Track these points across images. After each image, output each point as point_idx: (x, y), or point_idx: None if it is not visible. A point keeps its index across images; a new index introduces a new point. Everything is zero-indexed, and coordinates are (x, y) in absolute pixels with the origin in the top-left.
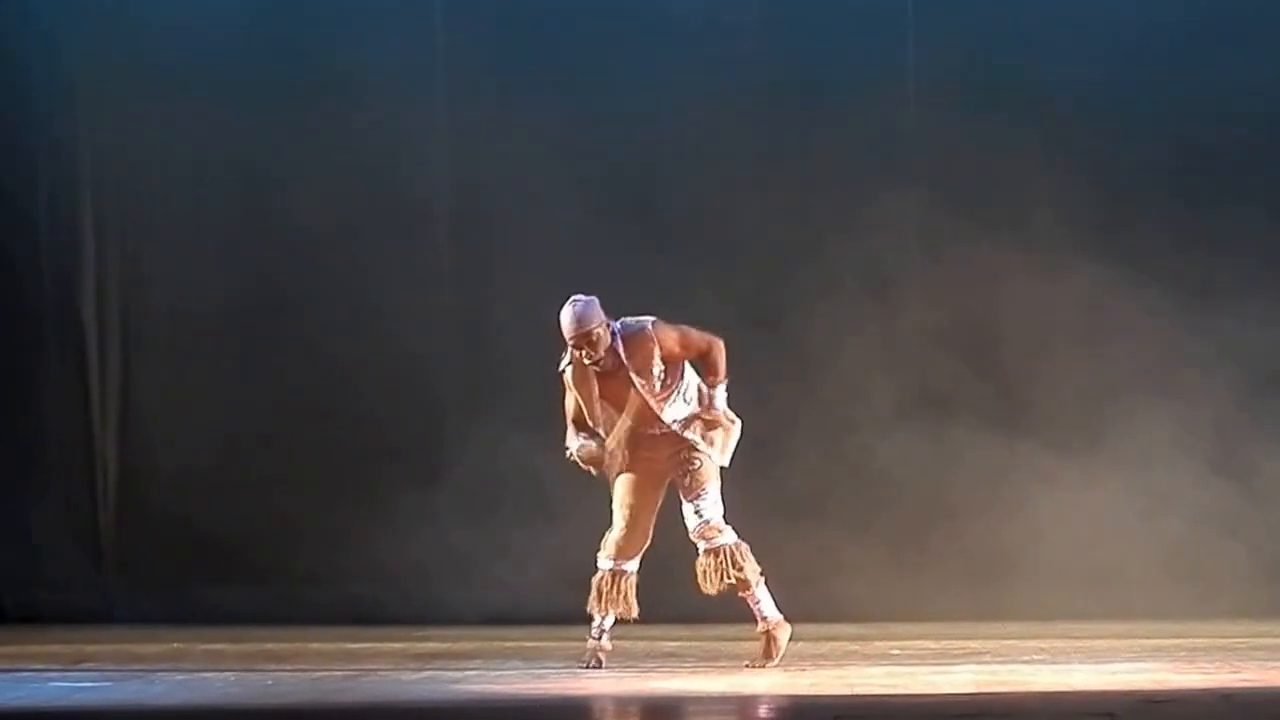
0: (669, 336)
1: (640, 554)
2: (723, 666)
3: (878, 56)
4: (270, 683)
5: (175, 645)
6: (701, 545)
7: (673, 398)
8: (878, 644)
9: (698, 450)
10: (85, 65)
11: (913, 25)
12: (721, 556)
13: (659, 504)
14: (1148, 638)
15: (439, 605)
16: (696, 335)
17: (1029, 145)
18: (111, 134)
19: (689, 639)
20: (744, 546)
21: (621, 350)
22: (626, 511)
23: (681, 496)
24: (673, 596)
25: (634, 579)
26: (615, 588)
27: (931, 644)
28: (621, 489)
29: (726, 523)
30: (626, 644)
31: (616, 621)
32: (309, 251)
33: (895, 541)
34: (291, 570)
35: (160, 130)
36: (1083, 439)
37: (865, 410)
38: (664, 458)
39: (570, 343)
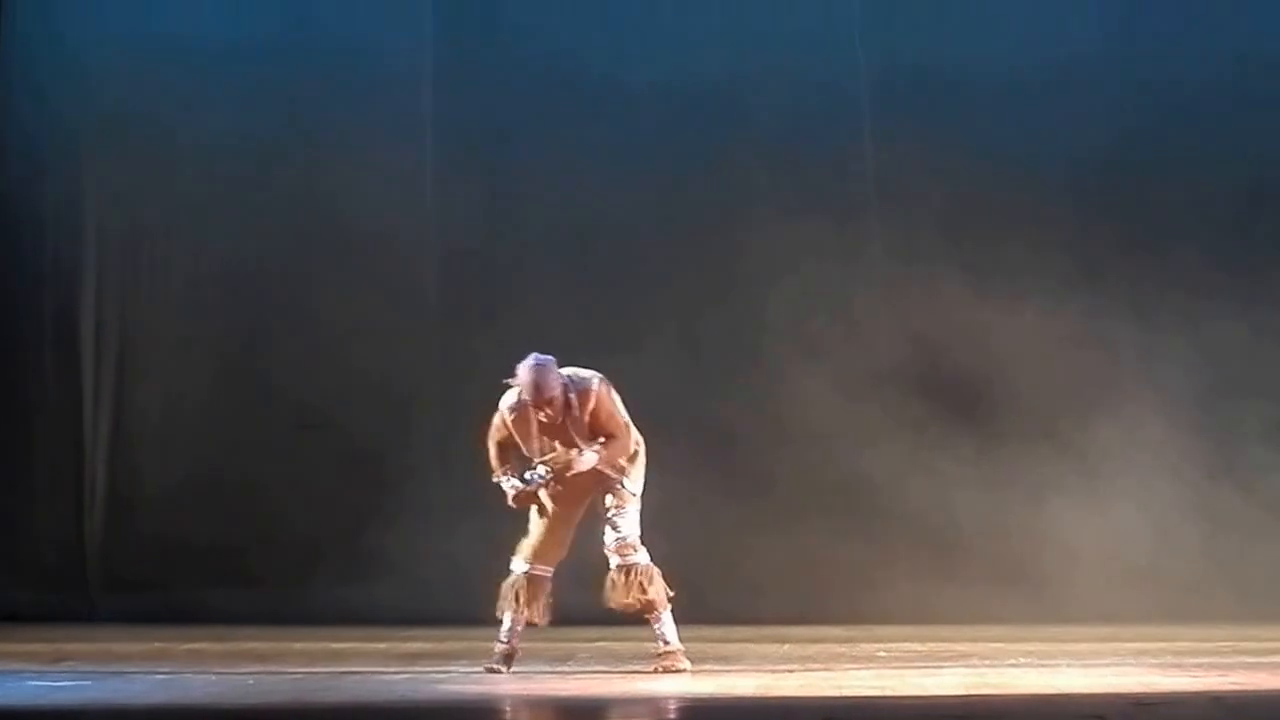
0: (605, 404)
1: (556, 562)
2: (709, 669)
3: (831, 89)
4: (252, 682)
5: (157, 645)
6: (615, 560)
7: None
8: (865, 646)
9: (619, 476)
10: (95, 104)
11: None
12: (632, 576)
13: (578, 519)
14: (1135, 640)
15: (424, 606)
16: (622, 423)
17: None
18: (117, 171)
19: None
20: (655, 570)
21: (574, 400)
22: (547, 519)
23: (602, 514)
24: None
25: (549, 585)
26: (529, 592)
27: (919, 646)
28: (544, 497)
29: (643, 544)
30: (614, 645)
31: (526, 626)
32: (298, 273)
33: (882, 545)
34: (275, 571)
35: (162, 155)
36: (1067, 445)
37: (851, 415)
38: (588, 478)
39: (530, 403)
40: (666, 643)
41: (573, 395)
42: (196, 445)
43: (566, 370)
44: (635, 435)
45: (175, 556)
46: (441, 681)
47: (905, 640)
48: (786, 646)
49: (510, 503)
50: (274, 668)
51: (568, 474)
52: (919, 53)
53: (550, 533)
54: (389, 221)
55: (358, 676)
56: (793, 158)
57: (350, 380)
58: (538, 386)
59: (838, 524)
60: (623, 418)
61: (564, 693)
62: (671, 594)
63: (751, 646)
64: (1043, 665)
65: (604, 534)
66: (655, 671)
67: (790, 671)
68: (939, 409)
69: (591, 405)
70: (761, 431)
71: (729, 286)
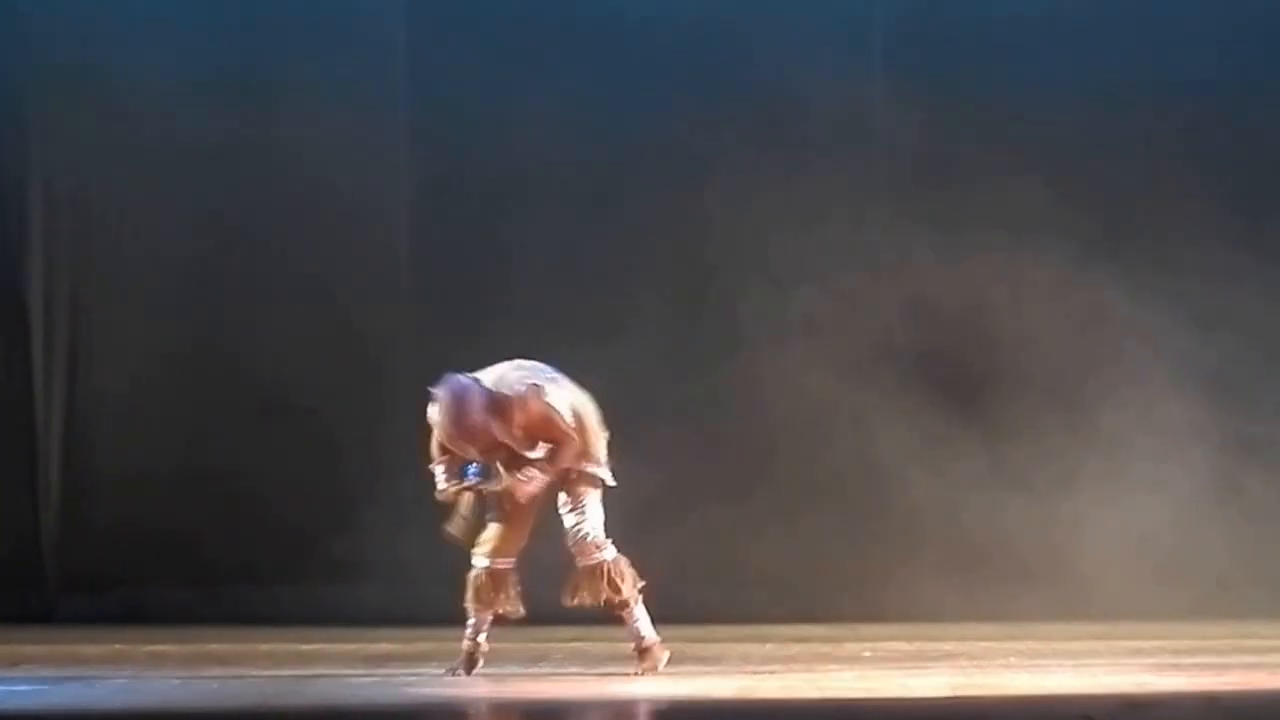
0: (536, 414)
1: (516, 554)
2: (689, 670)
3: (846, 57)
4: (216, 686)
5: (117, 647)
6: (581, 560)
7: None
8: (849, 646)
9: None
10: (38, 56)
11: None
12: (600, 573)
13: (536, 510)
14: (1128, 639)
15: (394, 605)
16: (563, 428)
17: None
18: (65, 130)
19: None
20: (623, 563)
21: (501, 420)
22: (504, 513)
23: (560, 510)
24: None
25: (513, 577)
26: (494, 586)
27: (904, 646)
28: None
29: (607, 537)
30: (589, 646)
31: (498, 621)
32: (263, 248)
33: (867, 541)
34: (239, 570)
35: (113, 127)
36: (1056, 439)
37: (845, 401)
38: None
39: (452, 438)
40: (642, 638)
41: (496, 416)
42: (156, 432)
43: (490, 377)
44: (594, 429)
45: (136, 552)
46: (411, 684)
47: (892, 639)
48: (769, 646)
49: (438, 495)
50: (239, 670)
51: (514, 500)
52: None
53: (509, 526)
54: (359, 183)
55: (325, 679)
56: (794, 117)
57: (319, 358)
58: (456, 422)
59: (828, 518)
60: (563, 423)
61: (537, 695)
62: (642, 584)
63: (733, 646)
64: (1033, 665)
65: (565, 531)
66: (637, 674)
67: (772, 673)
68: (938, 395)
69: (521, 420)
70: (748, 418)
71: (720, 252)
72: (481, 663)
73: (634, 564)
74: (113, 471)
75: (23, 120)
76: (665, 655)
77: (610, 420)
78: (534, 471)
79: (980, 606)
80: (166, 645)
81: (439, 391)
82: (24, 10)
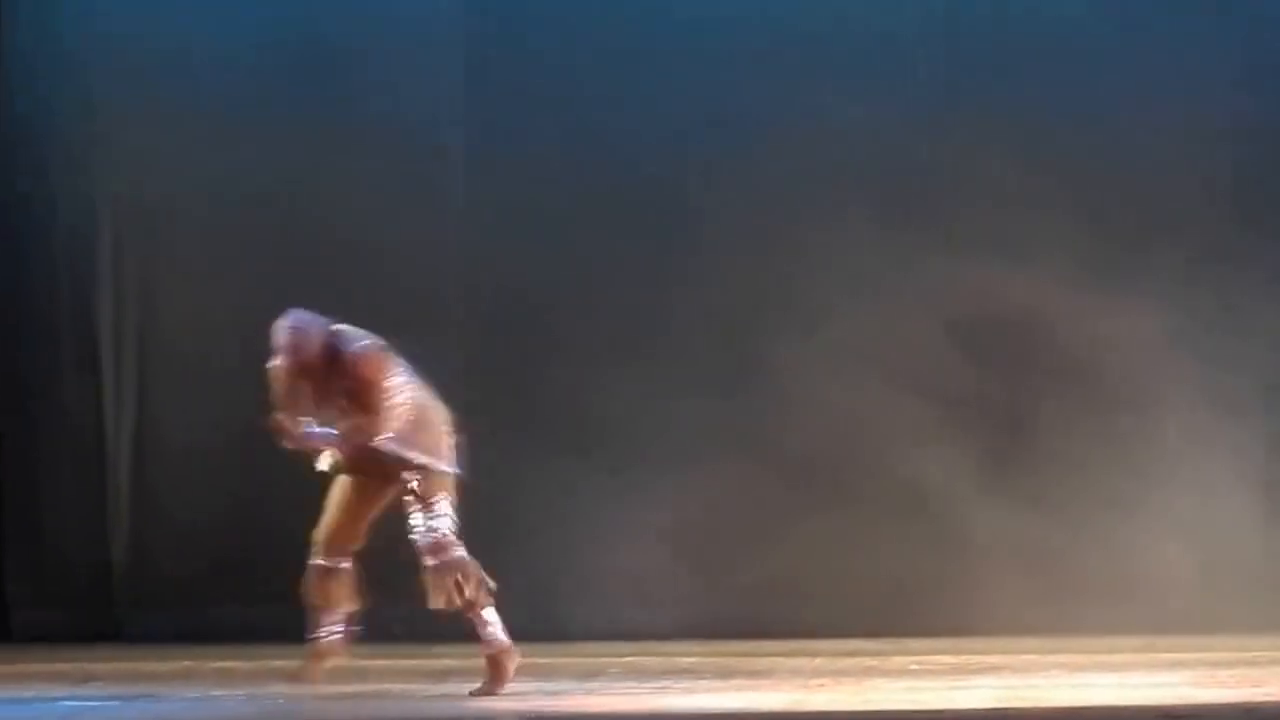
0: (370, 372)
1: (349, 553)
2: (739, 684)
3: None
4: (281, 701)
5: (185, 664)
6: (428, 560)
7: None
8: (896, 659)
9: (419, 462)
10: (104, 84)
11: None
12: (448, 575)
13: (374, 509)
14: (1168, 651)
15: (453, 622)
16: (387, 400)
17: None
18: (129, 150)
19: (706, 654)
20: (472, 565)
21: (339, 362)
22: (339, 509)
23: (408, 509)
24: (680, 613)
25: (350, 572)
26: (326, 584)
27: (951, 659)
28: (341, 484)
29: (459, 537)
30: (644, 660)
31: (336, 621)
32: (325, 278)
33: (913, 556)
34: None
35: (181, 157)
36: (1103, 455)
37: (883, 429)
38: (383, 464)
39: (286, 367)
40: (488, 642)
41: (338, 355)
42: (222, 454)
43: (338, 328)
44: (437, 428)
45: (203, 571)
46: (470, 699)
47: (937, 653)
48: (818, 660)
49: (286, 442)
50: (303, 687)
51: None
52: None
53: (344, 518)
54: (414, 215)
55: (387, 694)
56: (835, 140)
57: None
58: (294, 348)
59: (875, 534)
60: (390, 398)
61: (592, 709)
62: (493, 586)
63: (782, 660)
64: (1075, 678)
65: (411, 531)
66: (478, 689)
67: (820, 686)
68: (988, 412)
69: (349, 377)
70: (792, 437)
71: (754, 275)
72: (331, 662)
73: (684, 581)
74: (179, 493)
75: (91, 150)
76: (515, 661)
77: (656, 443)
78: (338, 431)
79: (1025, 620)
80: (234, 662)
81: (280, 323)
82: (90, 44)
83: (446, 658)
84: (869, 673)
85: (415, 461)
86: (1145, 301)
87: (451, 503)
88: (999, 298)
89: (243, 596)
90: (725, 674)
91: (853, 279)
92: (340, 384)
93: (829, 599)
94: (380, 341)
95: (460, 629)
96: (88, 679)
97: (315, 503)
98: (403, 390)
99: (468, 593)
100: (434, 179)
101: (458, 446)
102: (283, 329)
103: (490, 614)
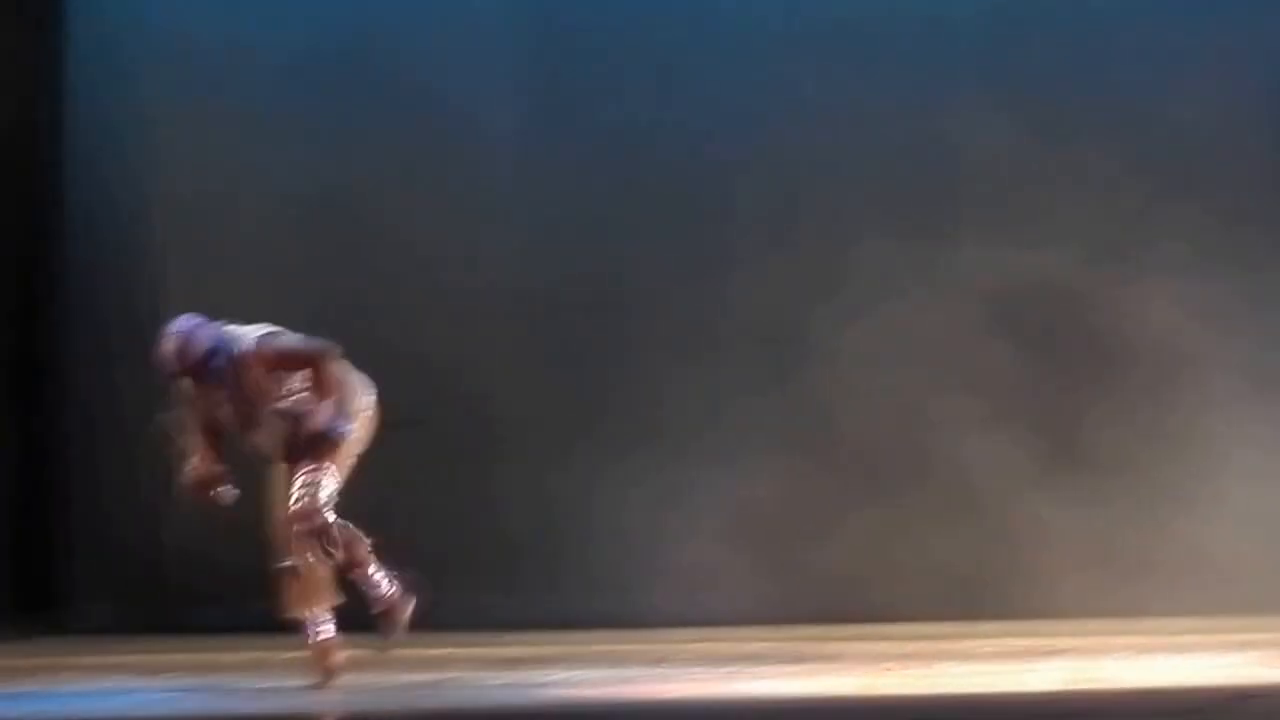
0: (271, 353)
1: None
2: (809, 669)
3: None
4: (350, 691)
5: (255, 654)
6: (296, 526)
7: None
8: (965, 643)
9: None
10: (156, 85)
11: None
12: (314, 538)
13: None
14: (1236, 632)
15: (523, 611)
16: (304, 351)
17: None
18: (180, 151)
19: (776, 640)
20: (339, 527)
21: (228, 367)
22: (281, 506)
23: (295, 471)
24: (750, 599)
25: (313, 570)
26: (294, 584)
27: (1019, 642)
28: (278, 478)
29: (329, 506)
30: (712, 646)
31: (318, 618)
32: (378, 261)
33: (981, 540)
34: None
35: (228, 145)
36: (1169, 435)
37: (942, 407)
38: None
39: (174, 375)
40: (379, 599)
41: (223, 361)
42: None
43: (236, 330)
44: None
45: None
46: (541, 686)
47: (1005, 636)
48: (887, 645)
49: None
50: (372, 675)
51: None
52: None
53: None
54: (476, 205)
55: (457, 682)
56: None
57: (434, 375)
58: (180, 354)
59: (942, 518)
60: (303, 345)
61: (663, 695)
62: (370, 542)
63: (853, 645)
64: (1144, 659)
65: (291, 496)
66: (384, 641)
67: (890, 670)
68: (1054, 394)
69: (259, 371)
70: (859, 423)
71: (816, 264)
72: (334, 659)
73: (752, 567)
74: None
75: (142, 150)
76: (408, 610)
77: (722, 433)
78: (331, 416)
79: (1094, 602)
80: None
81: (165, 331)
82: (142, 47)
83: (515, 645)
84: (939, 657)
85: (336, 429)
86: (1200, 288)
87: (335, 471)
88: (1051, 285)
89: None
90: (795, 659)
91: (906, 269)
92: (248, 383)
93: (897, 584)
94: (272, 329)
95: (525, 618)
96: (158, 670)
97: (377, 489)
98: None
99: (337, 556)
100: (485, 176)
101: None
102: (166, 339)
103: (374, 570)
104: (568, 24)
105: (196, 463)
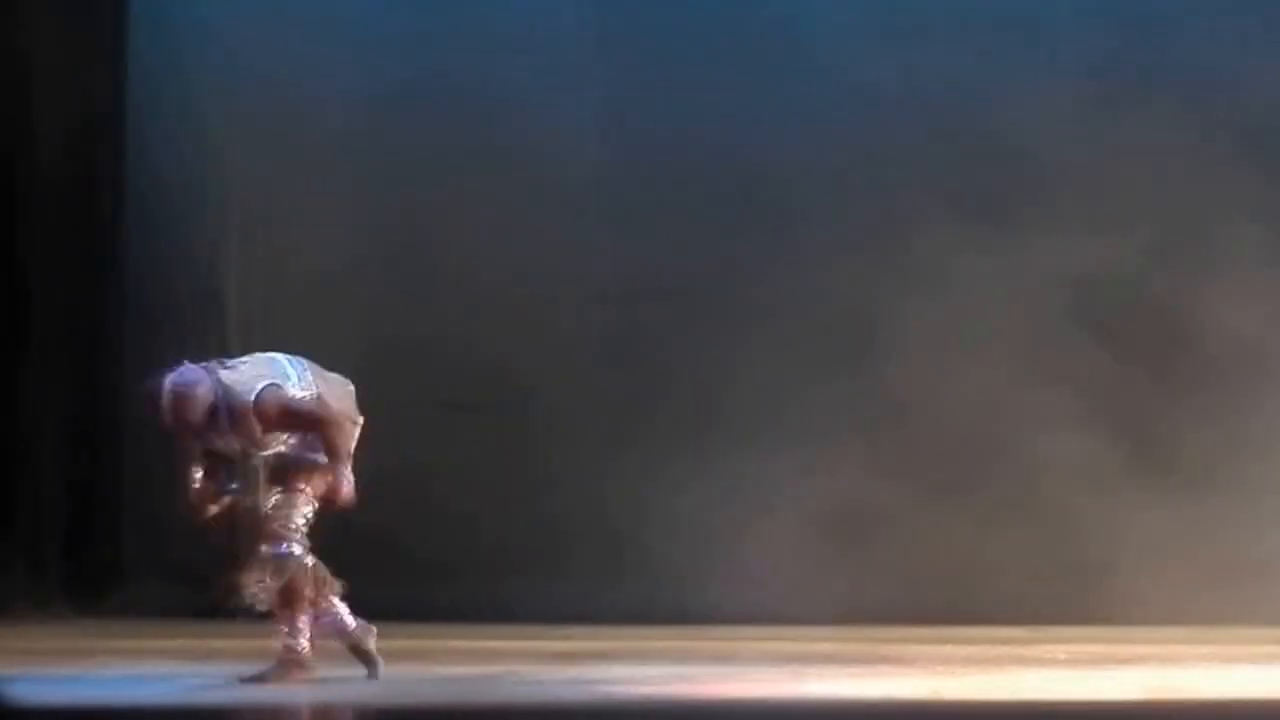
0: (273, 411)
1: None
2: (878, 670)
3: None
4: (410, 682)
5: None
6: (264, 548)
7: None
8: (1042, 647)
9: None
10: (225, 117)
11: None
12: (269, 566)
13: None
14: None
15: (582, 603)
16: (313, 413)
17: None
18: (260, 148)
19: (845, 640)
20: (311, 565)
21: (233, 418)
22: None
23: (274, 489)
24: (819, 598)
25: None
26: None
27: (1096, 648)
28: None
29: (299, 535)
30: (779, 645)
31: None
32: (453, 247)
33: (1058, 544)
34: (431, 566)
35: (306, 144)
36: (1249, 440)
37: (1018, 402)
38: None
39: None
40: (344, 632)
41: (224, 414)
42: None
43: (230, 379)
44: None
45: (330, 550)
46: (602, 681)
47: (1083, 641)
48: (961, 648)
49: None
50: (432, 666)
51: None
52: None
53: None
54: (554, 179)
55: (516, 676)
56: (966, 125)
57: (509, 356)
58: (176, 414)
59: (1018, 522)
60: (312, 407)
61: (728, 694)
62: (339, 590)
63: (925, 648)
64: (1224, 668)
65: (265, 512)
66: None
67: (963, 673)
68: (1130, 398)
69: (262, 426)
70: (933, 426)
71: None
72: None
73: (822, 566)
74: None
75: (217, 138)
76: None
77: (792, 430)
78: (338, 473)
79: (1172, 609)
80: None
81: (163, 381)
82: (211, 78)
83: (576, 639)
84: (1013, 661)
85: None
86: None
87: (312, 497)
88: (1132, 279)
89: (368, 576)
90: (864, 660)
91: (982, 260)
92: (253, 434)
93: (968, 585)
94: (265, 378)
95: (590, 611)
96: (211, 656)
97: (436, 483)
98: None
99: (274, 588)
100: (551, 168)
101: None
102: (165, 391)
103: (337, 609)
104: (636, 22)
105: (195, 488)
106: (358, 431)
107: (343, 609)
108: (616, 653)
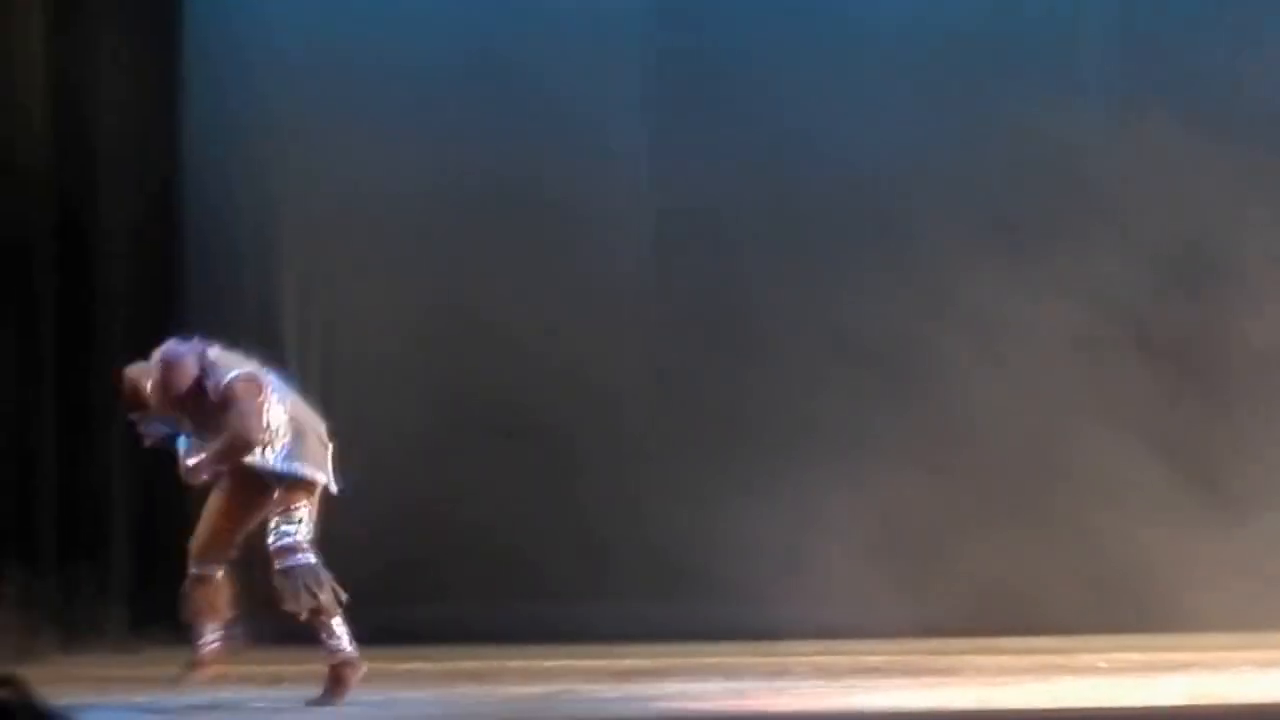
0: (236, 403)
1: (224, 560)
2: (926, 682)
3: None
4: (470, 703)
5: (371, 665)
6: (278, 565)
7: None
8: (1084, 657)
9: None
10: (282, 88)
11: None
12: (295, 580)
13: (254, 519)
14: None
15: (637, 621)
16: (243, 426)
17: None
18: (310, 150)
19: (892, 653)
20: (322, 573)
21: (210, 392)
22: (215, 516)
23: (270, 513)
24: (871, 612)
25: (221, 583)
26: (200, 593)
27: (1139, 656)
28: (217, 493)
29: (311, 545)
30: (830, 660)
31: (208, 630)
32: (511, 264)
33: (1100, 552)
34: (487, 587)
35: (358, 147)
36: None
37: (1075, 411)
38: (265, 478)
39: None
40: (336, 653)
41: (209, 384)
42: (402, 454)
43: (212, 354)
44: (312, 437)
45: (385, 573)
46: (655, 699)
47: (1125, 650)
48: (1005, 659)
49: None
50: (488, 686)
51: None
52: None
53: (214, 530)
54: (602, 211)
55: (570, 695)
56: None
57: (555, 381)
58: (164, 390)
59: (1062, 530)
60: (248, 424)
61: (779, 709)
62: (344, 598)
63: (969, 658)
64: (1266, 674)
65: (268, 534)
66: (317, 700)
67: (1008, 684)
68: (1177, 406)
69: (214, 404)
70: (979, 438)
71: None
72: (211, 672)
73: (875, 580)
74: (361, 491)
75: (273, 136)
76: (359, 672)
77: (844, 445)
78: (199, 460)
79: (1214, 617)
80: (420, 663)
81: (155, 355)
82: (267, 51)
83: (629, 657)
84: (1057, 670)
85: (280, 471)
86: None
87: (311, 510)
88: (1185, 303)
89: (428, 596)
90: (912, 672)
91: (1044, 280)
92: (216, 414)
93: (1016, 599)
94: (249, 369)
95: (643, 629)
96: (277, 681)
97: (500, 501)
98: (273, 408)
99: (322, 598)
100: (619, 176)
101: (332, 456)
102: (155, 364)
103: (338, 623)
104: (696, 41)
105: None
106: (329, 453)
107: (343, 626)
108: (671, 670)
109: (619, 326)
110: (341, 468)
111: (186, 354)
